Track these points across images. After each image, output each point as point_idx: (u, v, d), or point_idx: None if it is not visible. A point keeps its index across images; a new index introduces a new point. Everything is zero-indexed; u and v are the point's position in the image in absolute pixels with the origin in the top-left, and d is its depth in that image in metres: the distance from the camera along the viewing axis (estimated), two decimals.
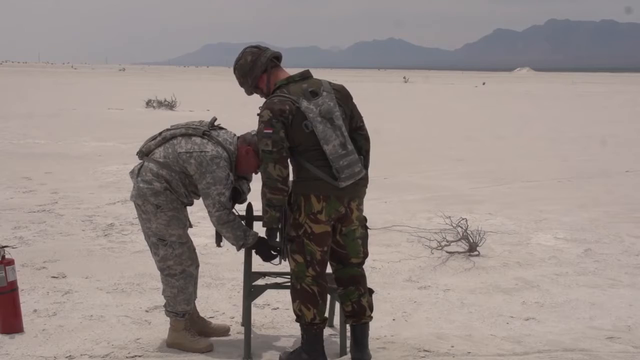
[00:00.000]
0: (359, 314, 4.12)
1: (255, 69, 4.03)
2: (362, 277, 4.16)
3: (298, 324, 4.11)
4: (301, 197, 3.92)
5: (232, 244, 4.17)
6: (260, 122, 3.88)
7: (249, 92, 4.15)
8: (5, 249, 4.58)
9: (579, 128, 21.96)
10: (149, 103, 26.73)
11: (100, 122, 20.53)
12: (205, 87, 51.21)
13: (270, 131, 3.83)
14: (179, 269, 4.28)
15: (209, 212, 4.13)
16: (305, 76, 4.03)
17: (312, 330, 4.04)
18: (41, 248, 6.66)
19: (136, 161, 4.42)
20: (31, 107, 25.10)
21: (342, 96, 4.03)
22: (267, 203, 3.87)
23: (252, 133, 4.21)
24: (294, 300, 4.07)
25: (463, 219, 6.93)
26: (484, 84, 71.89)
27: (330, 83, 4.05)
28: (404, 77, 77.95)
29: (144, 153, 4.31)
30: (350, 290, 4.12)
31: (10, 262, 4.54)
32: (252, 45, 4.15)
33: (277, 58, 4.09)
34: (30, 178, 10.53)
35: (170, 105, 26.40)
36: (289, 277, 4.60)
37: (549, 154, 15.38)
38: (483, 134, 19.60)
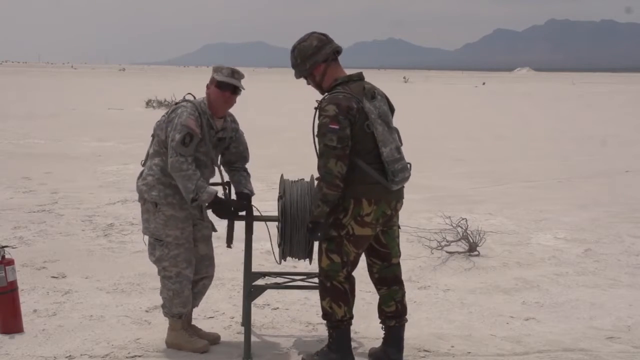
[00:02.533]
0: (401, 314, 4.14)
1: (318, 55, 3.95)
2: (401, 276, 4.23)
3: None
4: (351, 200, 3.87)
5: (183, 194, 4.11)
6: (324, 116, 3.80)
7: (300, 76, 4.07)
8: (5, 249, 4.58)
9: (579, 128, 21.96)
10: (149, 103, 26.74)
11: (100, 122, 20.53)
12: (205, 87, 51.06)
13: (337, 127, 3.76)
14: (174, 270, 4.25)
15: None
16: (361, 77, 4.03)
17: (342, 327, 4.04)
18: (41, 248, 6.66)
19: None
20: (31, 107, 25.10)
21: (389, 103, 4.08)
22: (322, 198, 3.80)
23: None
24: (323, 298, 4.04)
25: (463, 219, 6.93)
26: (484, 84, 71.89)
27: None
28: (404, 77, 77.91)
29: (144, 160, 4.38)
30: (395, 290, 4.14)
31: (10, 262, 4.54)
32: (319, 32, 4.04)
33: (338, 52, 4.05)
34: (30, 178, 10.53)
35: (170, 106, 26.40)
36: (290, 277, 4.61)
37: (549, 154, 15.38)
38: (483, 134, 19.59)
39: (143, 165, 4.35)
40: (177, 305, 4.30)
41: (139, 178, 4.31)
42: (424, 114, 26.86)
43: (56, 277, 5.78)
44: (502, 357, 4.38)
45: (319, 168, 3.82)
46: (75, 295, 5.35)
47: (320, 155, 3.81)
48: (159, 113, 24.79)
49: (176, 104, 4.28)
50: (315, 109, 3.88)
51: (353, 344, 4.36)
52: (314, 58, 3.96)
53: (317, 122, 3.85)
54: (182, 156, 4.02)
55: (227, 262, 6.25)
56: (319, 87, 4.04)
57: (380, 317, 4.17)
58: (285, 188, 4.16)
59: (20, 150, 13.97)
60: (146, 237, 4.35)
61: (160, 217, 4.20)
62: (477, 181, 11.27)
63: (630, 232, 7.75)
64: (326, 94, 3.94)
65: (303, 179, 4.31)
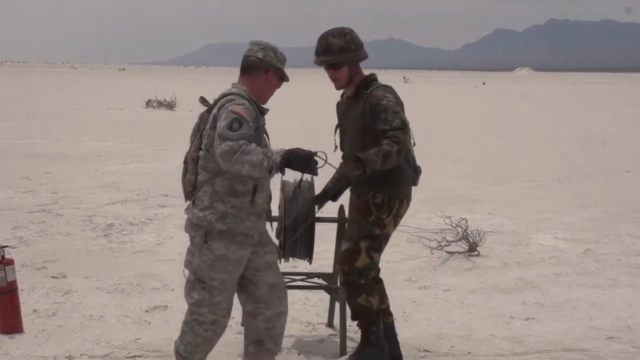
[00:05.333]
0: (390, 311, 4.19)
1: (361, 52, 3.97)
2: None
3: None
4: (396, 201, 3.92)
5: (255, 175, 3.32)
6: (388, 99, 3.80)
7: (331, 63, 3.93)
8: (5, 249, 4.58)
9: (579, 128, 21.96)
10: (149, 103, 26.75)
11: (100, 122, 20.53)
12: (205, 87, 51.20)
13: (400, 110, 3.79)
14: (211, 318, 3.62)
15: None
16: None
17: (378, 318, 4.04)
18: (41, 248, 6.66)
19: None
20: (31, 107, 25.10)
21: None
22: (385, 160, 3.65)
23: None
24: (358, 295, 3.99)
25: (463, 219, 6.93)
26: (484, 84, 71.91)
27: None
28: (404, 77, 77.90)
29: (191, 191, 3.65)
30: (384, 286, 4.16)
31: (10, 262, 4.54)
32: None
33: None
34: (30, 178, 10.53)
35: (170, 105, 26.40)
36: (290, 277, 4.60)
37: (549, 154, 15.37)
38: (483, 134, 19.60)
39: (188, 198, 3.65)
40: (201, 352, 3.70)
41: (190, 209, 3.62)
42: (424, 114, 26.84)
43: (56, 277, 5.78)
44: (502, 357, 4.38)
45: (396, 137, 3.70)
46: (75, 295, 5.35)
47: (401, 127, 3.72)
48: (159, 113, 24.89)
49: (214, 103, 3.58)
50: (342, 95, 3.99)
51: (353, 344, 4.36)
52: (361, 52, 3.97)
53: (367, 107, 3.85)
54: (231, 140, 3.26)
55: None
56: (341, 81, 3.98)
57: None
58: (286, 188, 4.16)
59: (20, 150, 13.97)
60: (186, 270, 3.69)
61: (207, 255, 3.54)
62: (477, 181, 11.27)
63: (630, 232, 7.75)
64: (376, 85, 3.93)
65: (303, 179, 4.31)
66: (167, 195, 9.35)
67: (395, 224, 4.01)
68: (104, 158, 12.98)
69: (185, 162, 3.67)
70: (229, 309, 3.69)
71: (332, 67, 3.95)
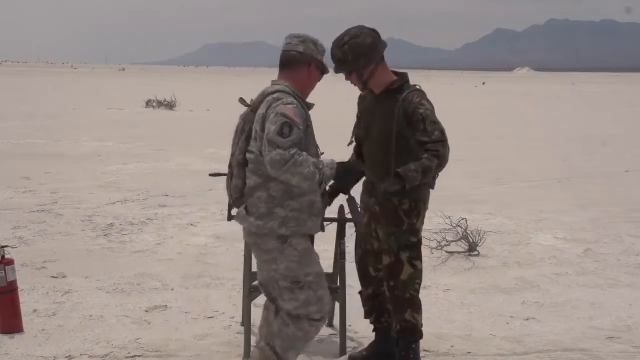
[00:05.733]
0: None
1: (375, 54, 3.76)
2: None
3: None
4: (422, 204, 3.89)
5: (305, 187, 3.30)
6: (425, 108, 3.71)
7: (344, 72, 3.80)
8: (5, 249, 4.58)
9: (579, 128, 21.96)
10: (148, 103, 26.76)
11: (100, 122, 20.53)
12: (205, 87, 51.21)
13: (438, 120, 3.73)
14: (318, 315, 3.48)
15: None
16: None
17: (422, 336, 3.99)
18: (41, 248, 6.66)
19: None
20: (31, 107, 25.10)
21: None
22: (423, 173, 3.65)
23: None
24: (404, 311, 3.89)
25: (463, 219, 6.92)
26: (484, 84, 71.92)
27: None
28: None
29: (239, 197, 3.50)
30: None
31: (10, 262, 4.54)
32: (369, 27, 3.82)
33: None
34: (30, 178, 10.52)
35: (170, 105, 26.41)
36: None
37: (549, 154, 15.37)
38: (483, 134, 19.60)
39: (237, 205, 3.52)
40: (301, 347, 3.59)
41: (241, 218, 3.47)
42: None
43: (56, 277, 5.78)
44: (502, 357, 4.38)
45: (437, 151, 3.65)
46: (75, 295, 5.34)
47: (441, 140, 3.67)
48: (159, 113, 24.90)
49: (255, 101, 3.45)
50: (377, 94, 3.82)
51: (353, 344, 4.36)
52: (369, 57, 3.75)
53: (402, 113, 3.73)
54: (282, 148, 3.20)
55: (227, 262, 6.25)
56: (364, 84, 3.86)
57: (383, 315, 4.16)
58: None
59: (20, 150, 13.97)
60: (273, 284, 3.45)
61: (292, 253, 3.40)
62: (477, 181, 11.27)
63: (630, 232, 7.75)
64: (413, 88, 3.82)
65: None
66: (167, 195, 9.35)
67: (422, 227, 3.97)
68: (104, 158, 12.97)
69: (230, 167, 3.49)
70: (331, 302, 3.63)
71: (348, 75, 3.85)
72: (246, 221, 3.44)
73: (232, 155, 3.49)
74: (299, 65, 3.48)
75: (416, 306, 3.93)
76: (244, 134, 3.45)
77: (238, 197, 3.47)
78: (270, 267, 3.43)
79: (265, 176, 3.36)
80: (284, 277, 3.40)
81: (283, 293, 3.44)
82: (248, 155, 3.42)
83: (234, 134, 3.52)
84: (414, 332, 3.95)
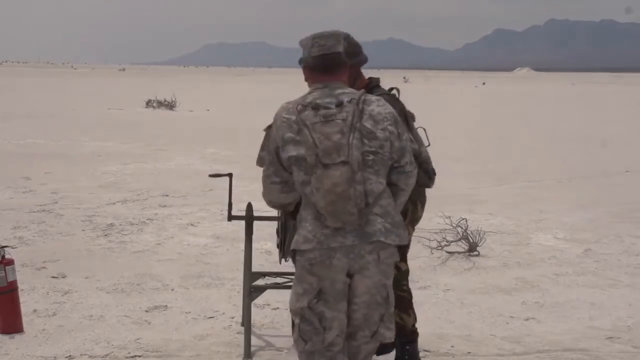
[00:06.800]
0: None
1: (361, 56, 3.78)
2: None
3: None
4: (409, 204, 3.74)
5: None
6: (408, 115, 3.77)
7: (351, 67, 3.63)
8: (5, 249, 4.58)
9: (578, 128, 21.95)
10: (148, 103, 26.76)
11: (100, 122, 20.52)
12: (205, 87, 51.20)
13: None
14: None
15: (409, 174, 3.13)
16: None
17: (414, 337, 3.98)
18: (41, 248, 6.66)
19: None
20: (31, 107, 25.11)
21: None
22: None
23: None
24: None
25: (463, 219, 6.93)
26: (484, 84, 71.91)
27: None
28: (404, 77, 77.86)
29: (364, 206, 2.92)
30: None
31: (10, 262, 4.54)
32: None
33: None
34: (30, 178, 10.52)
35: (170, 105, 26.42)
36: (290, 277, 4.60)
37: (549, 154, 15.37)
38: (483, 133, 19.60)
39: (362, 217, 2.89)
40: None
41: (369, 225, 2.93)
42: (424, 114, 26.82)
43: (56, 277, 5.78)
44: (502, 357, 4.38)
45: (422, 164, 3.66)
46: (75, 295, 5.34)
47: (424, 153, 3.75)
48: (159, 113, 24.90)
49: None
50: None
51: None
52: (361, 55, 3.81)
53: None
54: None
55: (227, 262, 6.25)
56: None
57: None
58: None
59: (20, 150, 13.97)
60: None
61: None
62: (477, 181, 11.27)
63: (630, 232, 7.75)
64: (383, 92, 3.81)
65: None
66: (167, 195, 9.35)
67: (413, 228, 3.97)
68: (104, 158, 12.97)
69: (351, 169, 2.85)
70: None
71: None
72: (383, 235, 2.96)
73: (347, 155, 2.87)
74: (344, 67, 3.17)
75: (404, 306, 3.93)
76: (355, 130, 2.95)
77: (363, 206, 2.89)
78: (387, 280, 3.03)
79: (384, 177, 3.02)
80: (387, 286, 3.05)
81: (382, 304, 3.04)
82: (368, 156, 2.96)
83: (338, 133, 2.94)
84: (403, 333, 3.96)
